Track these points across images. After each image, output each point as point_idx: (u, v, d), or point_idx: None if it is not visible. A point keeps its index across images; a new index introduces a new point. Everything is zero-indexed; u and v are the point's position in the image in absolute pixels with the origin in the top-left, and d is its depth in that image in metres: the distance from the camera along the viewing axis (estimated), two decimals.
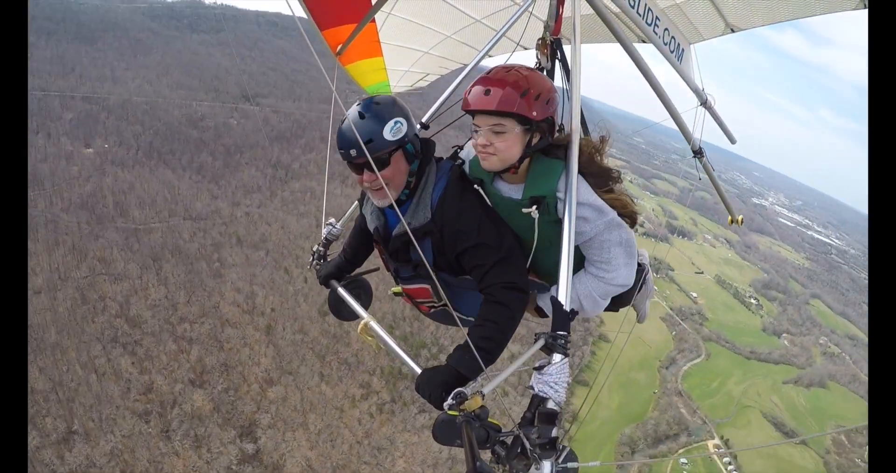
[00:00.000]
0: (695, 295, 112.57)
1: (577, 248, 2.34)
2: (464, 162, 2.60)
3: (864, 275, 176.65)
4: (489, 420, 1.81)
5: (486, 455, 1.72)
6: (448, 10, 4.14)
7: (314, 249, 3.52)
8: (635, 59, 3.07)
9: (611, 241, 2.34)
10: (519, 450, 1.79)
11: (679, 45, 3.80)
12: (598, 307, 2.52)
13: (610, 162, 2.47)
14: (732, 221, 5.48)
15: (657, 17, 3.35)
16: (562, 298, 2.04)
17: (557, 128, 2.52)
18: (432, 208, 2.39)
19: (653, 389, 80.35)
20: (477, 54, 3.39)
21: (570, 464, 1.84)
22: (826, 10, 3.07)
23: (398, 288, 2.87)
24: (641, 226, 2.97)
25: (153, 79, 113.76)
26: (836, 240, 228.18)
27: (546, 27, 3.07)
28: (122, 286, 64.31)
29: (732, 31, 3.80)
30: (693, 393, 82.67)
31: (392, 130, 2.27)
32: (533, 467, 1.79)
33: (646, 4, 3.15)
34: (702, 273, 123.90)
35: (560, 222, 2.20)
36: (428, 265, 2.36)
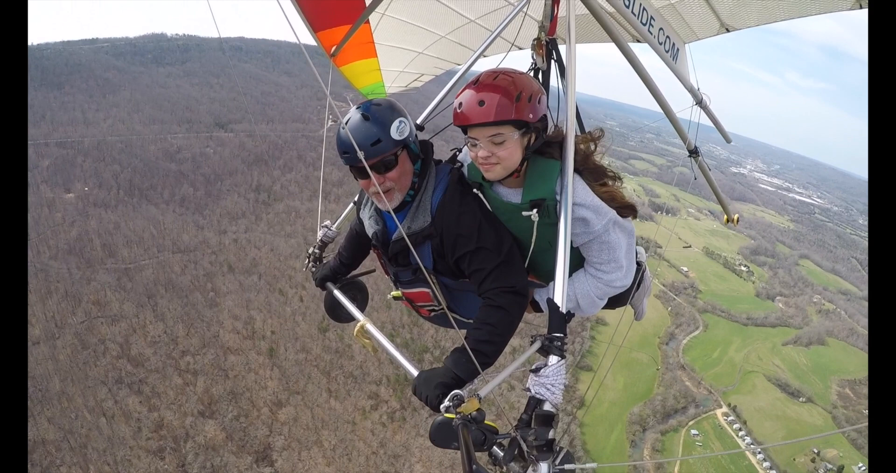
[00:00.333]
0: (685, 269, 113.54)
1: (576, 249, 2.40)
2: (462, 165, 2.58)
3: (850, 231, 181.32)
4: (486, 422, 1.81)
5: (483, 458, 1.75)
6: (442, 11, 4.14)
7: (310, 251, 3.53)
8: (630, 59, 3.10)
9: (610, 243, 2.36)
10: (516, 452, 1.79)
11: (674, 44, 3.82)
12: (595, 307, 2.56)
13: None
14: (728, 220, 5.53)
15: (652, 17, 3.36)
16: (558, 300, 2.04)
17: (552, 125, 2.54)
18: (432, 212, 2.40)
19: (656, 366, 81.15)
20: (472, 55, 3.34)
21: (567, 466, 1.83)
22: (822, 11, 3.10)
23: (398, 293, 2.88)
24: None
25: (125, 117, 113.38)
26: (818, 199, 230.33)
27: (541, 27, 3.02)
28: (121, 326, 64.40)
29: (727, 30, 3.81)
30: (695, 365, 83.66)
31: (398, 130, 2.30)
32: (530, 469, 1.78)
33: (641, 4, 3.16)
34: (689, 246, 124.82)
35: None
36: (426, 270, 2.40)
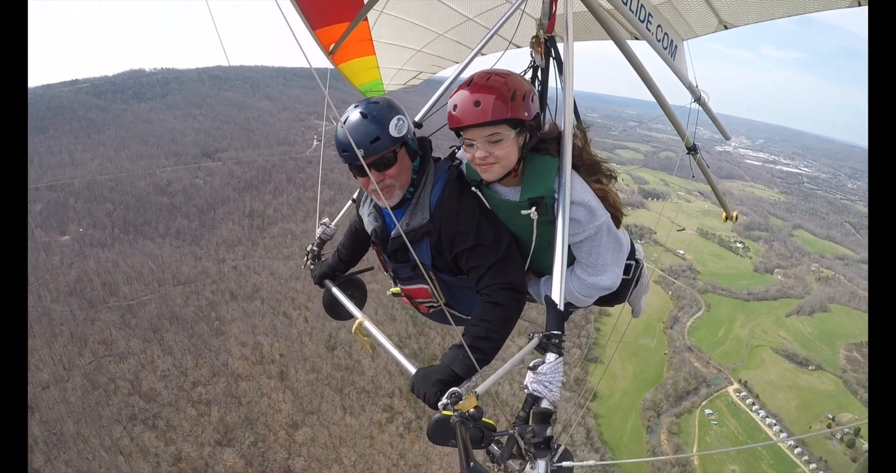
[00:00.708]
0: (681, 251, 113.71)
1: (569, 247, 2.36)
2: (461, 162, 2.58)
3: (840, 196, 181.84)
4: (483, 419, 1.81)
5: (481, 455, 1.75)
6: (440, 9, 4.15)
7: (308, 249, 3.52)
8: (628, 56, 3.10)
9: (600, 246, 2.36)
10: (513, 450, 1.79)
11: (672, 41, 3.79)
12: (581, 302, 2.59)
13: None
14: (727, 218, 5.53)
15: (650, 14, 3.34)
16: (555, 297, 2.04)
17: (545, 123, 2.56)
18: (430, 209, 2.40)
19: (663, 351, 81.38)
20: (469, 52, 3.31)
21: (565, 463, 1.83)
22: (820, 8, 3.11)
23: (397, 289, 2.89)
24: None
25: (112, 156, 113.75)
26: (805, 168, 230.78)
27: (539, 25, 3.03)
28: (129, 363, 64.48)
29: (726, 27, 3.80)
30: (702, 345, 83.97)
31: (396, 127, 2.31)
32: (528, 466, 1.78)
33: (638, 1, 3.15)
34: (683, 229, 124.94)
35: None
36: (423, 266, 2.41)
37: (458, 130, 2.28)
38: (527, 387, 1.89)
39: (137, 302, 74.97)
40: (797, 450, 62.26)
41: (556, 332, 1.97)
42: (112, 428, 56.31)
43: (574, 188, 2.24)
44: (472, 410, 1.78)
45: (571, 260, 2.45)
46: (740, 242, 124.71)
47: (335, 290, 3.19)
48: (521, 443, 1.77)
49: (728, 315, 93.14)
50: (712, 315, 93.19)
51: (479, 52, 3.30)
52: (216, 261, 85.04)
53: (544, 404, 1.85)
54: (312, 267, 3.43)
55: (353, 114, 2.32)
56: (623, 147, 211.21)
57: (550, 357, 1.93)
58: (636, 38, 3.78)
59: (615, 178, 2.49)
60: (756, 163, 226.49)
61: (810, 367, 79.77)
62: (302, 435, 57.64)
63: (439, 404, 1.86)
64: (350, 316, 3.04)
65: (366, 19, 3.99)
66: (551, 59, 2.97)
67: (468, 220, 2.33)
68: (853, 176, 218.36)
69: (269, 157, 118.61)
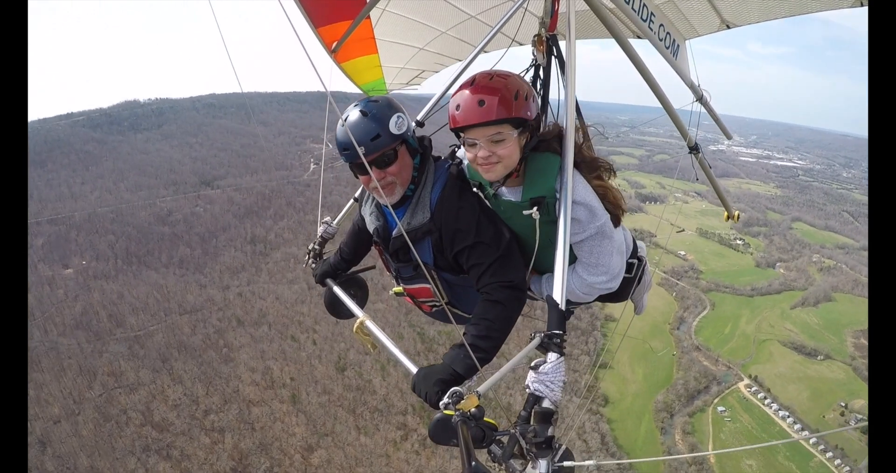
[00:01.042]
0: (683, 252, 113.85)
1: (571, 246, 2.34)
2: (461, 161, 2.58)
3: (836, 186, 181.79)
4: (485, 419, 1.80)
5: (482, 455, 1.74)
6: (443, 7, 4.15)
7: (310, 248, 3.52)
8: (630, 55, 3.10)
9: (601, 246, 2.37)
10: (515, 449, 1.79)
11: (674, 40, 3.78)
12: (582, 300, 2.62)
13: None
14: (728, 217, 5.49)
15: (652, 13, 3.34)
16: (557, 297, 2.04)
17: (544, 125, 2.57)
18: (431, 208, 2.40)
19: (671, 352, 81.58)
20: (473, 50, 3.34)
21: (566, 463, 1.81)
22: (822, 8, 3.11)
23: (399, 289, 2.92)
24: None
25: (111, 187, 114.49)
26: (799, 161, 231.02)
27: (542, 23, 3.05)
28: (140, 394, 64.49)
29: (728, 27, 3.77)
30: (710, 343, 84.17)
31: (396, 124, 2.32)
32: (529, 466, 1.78)
33: (641, 0, 3.15)
34: (683, 230, 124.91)
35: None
36: (424, 265, 2.40)
37: (460, 130, 2.30)
38: (528, 387, 1.89)
39: (145, 333, 75.09)
40: (812, 440, 62.48)
41: (557, 332, 1.98)
42: (126, 460, 56.22)
43: (575, 188, 2.24)
44: (473, 410, 1.78)
45: (573, 258, 2.48)
46: (740, 239, 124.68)
47: (336, 289, 3.19)
48: (523, 443, 1.78)
49: (733, 312, 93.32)
50: (717, 313, 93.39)
51: (481, 50, 3.32)
52: (221, 289, 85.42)
53: (546, 403, 1.86)
54: (314, 266, 3.45)
55: (354, 113, 2.35)
56: (617, 153, 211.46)
57: (552, 356, 1.93)
58: (638, 37, 3.82)
59: (614, 172, 2.51)
60: (750, 159, 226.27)
61: (819, 357, 79.96)
62: (318, 458, 57.74)
63: (441, 403, 1.87)
64: (351, 316, 3.04)
65: (368, 17, 3.96)
66: (553, 57, 3.02)
67: (469, 218, 2.35)
68: (847, 165, 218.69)
69: (267, 183, 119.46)
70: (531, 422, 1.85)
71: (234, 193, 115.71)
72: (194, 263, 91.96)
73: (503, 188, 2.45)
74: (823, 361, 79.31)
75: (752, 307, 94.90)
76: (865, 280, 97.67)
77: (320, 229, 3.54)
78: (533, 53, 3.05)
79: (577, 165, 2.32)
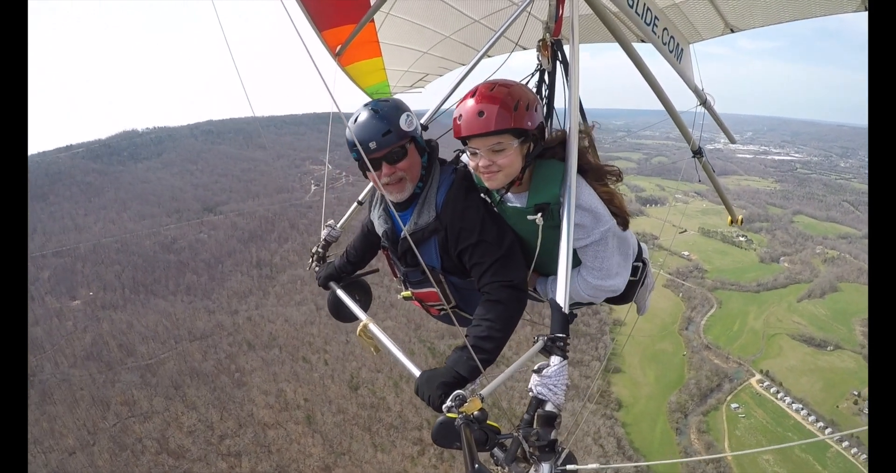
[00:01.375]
0: (686, 253, 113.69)
1: (575, 250, 2.37)
2: (467, 165, 2.57)
3: (834, 176, 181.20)
4: (488, 422, 1.80)
5: (485, 458, 1.73)
6: (447, 11, 4.16)
7: (313, 251, 3.52)
8: (634, 59, 3.08)
9: (606, 251, 2.39)
10: (518, 453, 1.79)
11: (678, 44, 3.77)
12: (586, 301, 2.63)
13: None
14: (732, 221, 5.49)
15: (656, 17, 3.33)
16: (560, 301, 2.04)
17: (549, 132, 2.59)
18: (437, 207, 2.44)
19: (681, 352, 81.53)
20: (476, 54, 3.33)
21: (569, 466, 1.80)
22: (826, 12, 3.10)
23: (408, 293, 2.90)
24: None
25: (114, 218, 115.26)
26: (796, 154, 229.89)
27: (546, 28, 3.04)
28: (154, 422, 64.48)
29: (732, 31, 3.77)
30: (719, 341, 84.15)
31: (406, 121, 2.38)
32: (532, 469, 1.78)
33: (644, 4, 3.15)
34: (685, 231, 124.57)
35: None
36: (429, 267, 2.44)
37: (462, 139, 2.35)
38: (531, 390, 1.89)
39: (156, 361, 75.21)
40: (828, 431, 61.86)
41: (560, 335, 1.97)
42: None
43: (579, 193, 2.26)
44: (476, 412, 1.79)
45: (578, 261, 2.48)
46: (743, 236, 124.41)
47: (340, 292, 3.20)
48: (526, 446, 1.78)
49: (741, 308, 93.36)
50: (725, 311, 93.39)
51: (485, 54, 3.31)
52: (230, 313, 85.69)
53: (549, 407, 1.85)
54: (317, 269, 3.44)
55: (364, 112, 2.41)
56: (615, 158, 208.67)
57: (555, 360, 1.93)
58: (642, 41, 3.81)
59: (620, 178, 2.51)
60: (748, 155, 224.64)
61: (829, 348, 80.00)
62: None
63: (444, 406, 1.88)
64: (354, 319, 3.05)
65: (372, 21, 3.97)
66: (558, 62, 3.02)
67: (473, 217, 2.37)
68: (844, 155, 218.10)
69: (269, 206, 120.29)
70: (534, 425, 1.84)
71: (238, 218, 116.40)
72: (202, 289, 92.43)
73: (509, 194, 2.49)
74: (834, 351, 79.28)
75: (759, 302, 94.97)
76: None
77: (324, 232, 3.56)
78: (538, 58, 3.12)
79: (583, 172, 2.35)
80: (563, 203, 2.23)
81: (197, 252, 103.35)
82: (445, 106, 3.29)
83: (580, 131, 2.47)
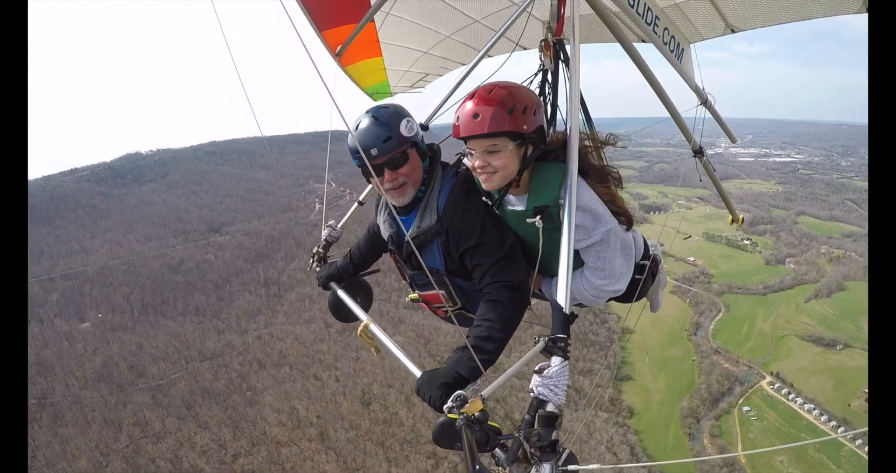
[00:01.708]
0: (692, 258, 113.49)
1: (577, 251, 2.37)
2: (467, 167, 2.57)
3: (836, 175, 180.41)
4: (489, 422, 1.80)
5: (486, 459, 1.73)
6: (447, 11, 4.15)
7: (314, 251, 3.52)
8: (635, 59, 3.11)
9: (607, 252, 2.40)
10: (519, 453, 1.79)
11: (679, 44, 3.76)
12: (591, 303, 2.64)
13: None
14: (733, 221, 5.46)
15: (657, 17, 3.34)
16: (561, 301, 2.03)
17: (549, 134, 2.57)
18: (439, 210, 2.47)
19: (691, 357, 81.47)
20: (476, 54, 3.34)
21: (570, 467, 1.80)
22: (827, 13, 3.14)
23: (415, 295, 2.95)
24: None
25: (121, 240, 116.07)
26: (797, 155, 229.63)
27: (548, 28, 3.05)
28: (167, 443, 64.44)
29: (733, 31, 3.78)
30: (728, 345, 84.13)
31: (407, 127, 2.41)
32: (533, 470, 1.77)
33: (645, 4, 3.16)
34: (689, 237, 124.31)
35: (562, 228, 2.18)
36: (437, 271, 2.52)
37: (462, 140, 2.38)
38: (532, 391, 1.88)
39: (167, 382, 75.30)
40: (841, 429, 61.42)
41: (561, 336, 1.96)
42: None
43: (580, 194, 2.25)
44: (477, 413, 1.79)
45: (581, 262, 2.49)
46: (747, 239, 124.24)
47: (340, 292, 3.21)
48: (527, 446, 1.78)
49: (748, 312, 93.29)
50: (733, 314, 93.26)
51: (486, 54, 3.31)
52: (239, 333, 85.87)
53: (550, 407, 1.85)
54: (318, 269, 3.45)
55: (365, 119, 2.43)
56: (617, 166, 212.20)
57: (556, 360, 1.92)
58: (643, 41, 3.80)
59: (622, 185, 2.55)
60: (749, 159, 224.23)
61: (838, 347, 79.86)
62: None
63: (445, 407, 1.88)
64: (355, 319, 3.06)
65: (373, 21, 3.98)
66: (561, 62, 3.03)
67: (473, 219, 2.40)
68: (845, 153, 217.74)
69: (275, 226, 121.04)
70: (535, 426, 1.84)
71: (244, 238, 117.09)
72: (210, 310, 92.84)
73: (509, 197, 2.50)
74: (843, 350, 79.21)
75: (767, 305, 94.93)
76: None
77: (325, 233, 3.57)
78: (540, 58, 3.13)
79: (585, 173, 2.36)
80: (562, 205, 2.24)
81: (204, 272, 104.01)
82: (446, 106, 3.35)
83: (586, 136, 2.55)
